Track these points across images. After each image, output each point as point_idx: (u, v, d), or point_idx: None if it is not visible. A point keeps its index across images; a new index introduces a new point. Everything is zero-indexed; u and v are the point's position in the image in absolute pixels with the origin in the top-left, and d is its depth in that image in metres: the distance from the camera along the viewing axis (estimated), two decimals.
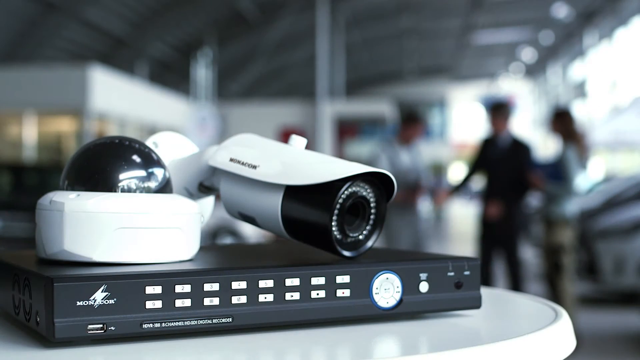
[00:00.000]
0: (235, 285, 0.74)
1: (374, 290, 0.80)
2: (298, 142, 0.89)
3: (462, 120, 36.56)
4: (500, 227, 5.28)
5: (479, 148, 5.57)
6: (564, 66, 30.24)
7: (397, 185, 0.82)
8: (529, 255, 8.27)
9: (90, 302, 0.68)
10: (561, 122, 5.05)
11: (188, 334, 0.74)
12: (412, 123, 5.52)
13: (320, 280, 0.77)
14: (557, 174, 4.94)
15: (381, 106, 19.02)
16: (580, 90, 26.69)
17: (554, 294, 4.93)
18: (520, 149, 5.34)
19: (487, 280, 5.33)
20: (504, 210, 5.25)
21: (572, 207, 4.98)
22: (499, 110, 5.41)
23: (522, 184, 5.22)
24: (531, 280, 6.82)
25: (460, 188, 5.98)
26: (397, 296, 0.81)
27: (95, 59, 17.27)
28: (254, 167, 0.85)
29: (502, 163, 5.32)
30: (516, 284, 5.29)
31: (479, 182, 5.75)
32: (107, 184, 0.81)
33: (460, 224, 19.45)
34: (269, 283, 0.75)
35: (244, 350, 0.70)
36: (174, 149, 1.02)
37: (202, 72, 21.52)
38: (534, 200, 8.31)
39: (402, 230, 5.43)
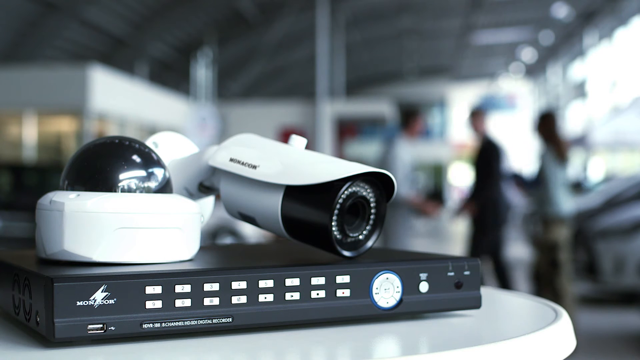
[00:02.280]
0: (235, 285, 0.74)
1: (374, 290, 0.80)
2: (298, 142, 0.88)
3: (462, 120, 36.56)
4: (475, 226, 5.58)
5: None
6: (564, 66, 30.25)
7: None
8: (525, 254, 8.28)
9: (90, 302, 0.68)
10: (544, 124, 5.11)
11: (188, 334, 0.73)
12: (414, 117, 5.64)
13: (320, 280, 0.77)
14: (538, 180, 5.09)
15: (381, 106, 19.02)
16: (580, 90, 26.70)
17: (541, 291, 4.96)
18: (487, 147, 5.57)
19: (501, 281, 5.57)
20: (476, 210, 5.49)
21: (567, 205, 5.01)
22: (478, 113, 5.69)
23: (483, 181, 5.49)
24: (531, 281, 6.81)
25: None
26: (397, 296, 0.81)
27: (95, 59, 17.26)
28: (254, 167, 0.85)
29: (476, 164, 5.63)
30: (503, 283, 5.53)
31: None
32: (107, 184, 0.81)
33: (458, 224, 19.42)
34: (269, 283, 0.75)
35: (244, 350, 0.70)
36: (174, 149, 1.02)
37: (202, 72, 21.51)
38: (525, 201, 8.31)
39: (400, 233, 5.48)
